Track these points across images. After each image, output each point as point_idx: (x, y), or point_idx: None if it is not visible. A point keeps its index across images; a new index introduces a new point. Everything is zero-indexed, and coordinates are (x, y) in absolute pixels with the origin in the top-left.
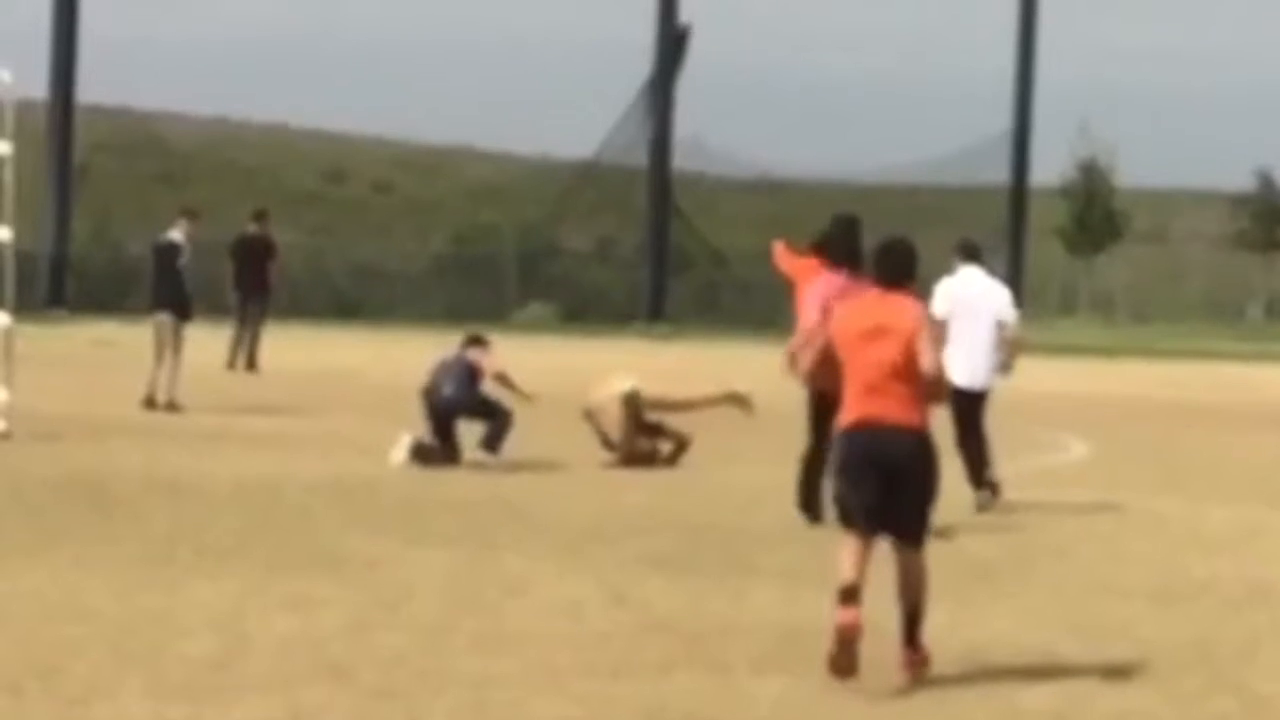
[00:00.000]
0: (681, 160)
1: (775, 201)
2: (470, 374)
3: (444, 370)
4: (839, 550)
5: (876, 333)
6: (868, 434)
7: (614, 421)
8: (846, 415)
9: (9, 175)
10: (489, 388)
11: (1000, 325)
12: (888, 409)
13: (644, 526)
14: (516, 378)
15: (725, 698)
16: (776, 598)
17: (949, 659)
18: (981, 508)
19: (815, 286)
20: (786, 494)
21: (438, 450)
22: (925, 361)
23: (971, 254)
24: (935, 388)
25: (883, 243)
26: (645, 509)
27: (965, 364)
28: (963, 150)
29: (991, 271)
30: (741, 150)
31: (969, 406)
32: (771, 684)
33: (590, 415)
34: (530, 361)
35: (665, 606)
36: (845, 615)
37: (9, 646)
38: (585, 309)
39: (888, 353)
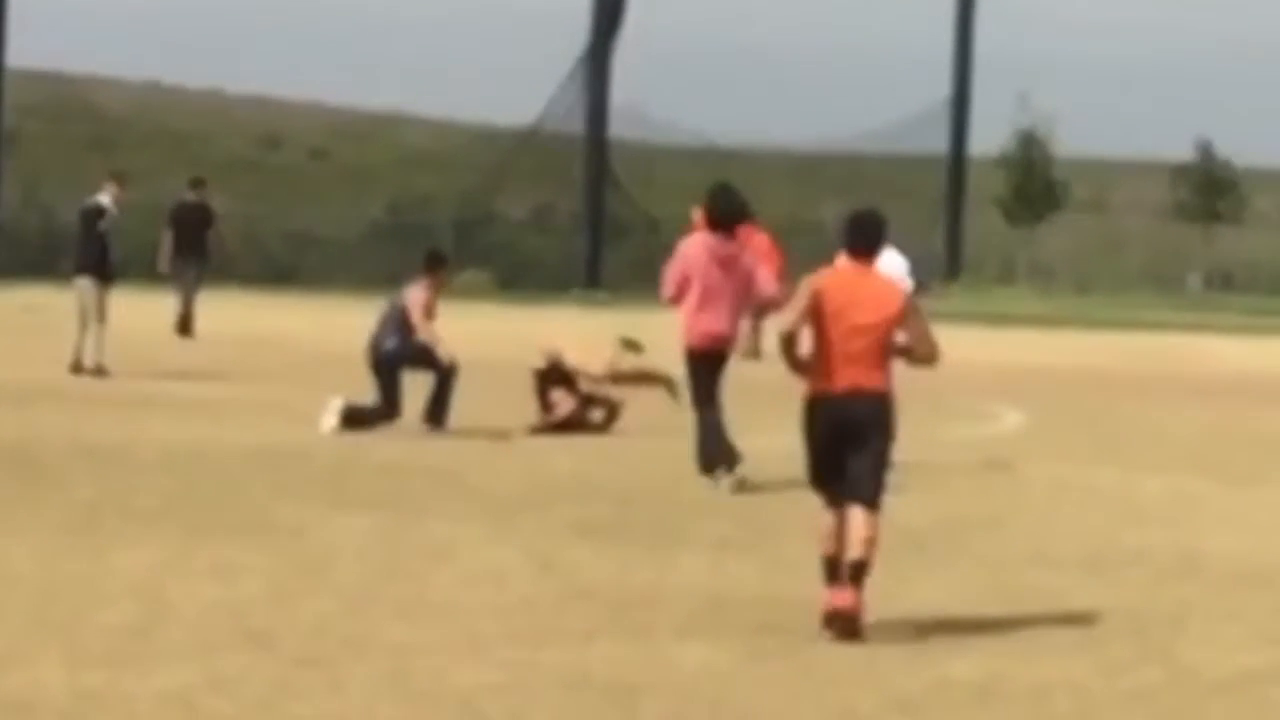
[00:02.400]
0: (621, 128)
1: (715, 170)
2: (406, 320)
3: (384, 321)
4: (819, 520)
5: (854, 309)
6: (840, 404)
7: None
8: (815, 383)
9: None
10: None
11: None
12: (855, 377)
13: (573, 494)
14: (439, 333)
15: (648, 665)
16: (703, 566)
17: (879, 628)
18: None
19: (686, 245)
20: None
21: (372, 410)
22: (921, 351)
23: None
24: (929, 361)
25: (853, 214)
26: (575, 476)
27: None
28: (902, 120)
29: (929, 242)
30: (682, 119)
31: None
32: (695, 651)
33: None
34: (466, 328)
35: (591, 574)
36: (835, 596)
37: None
38: (522, 276)
39: (865, 331)
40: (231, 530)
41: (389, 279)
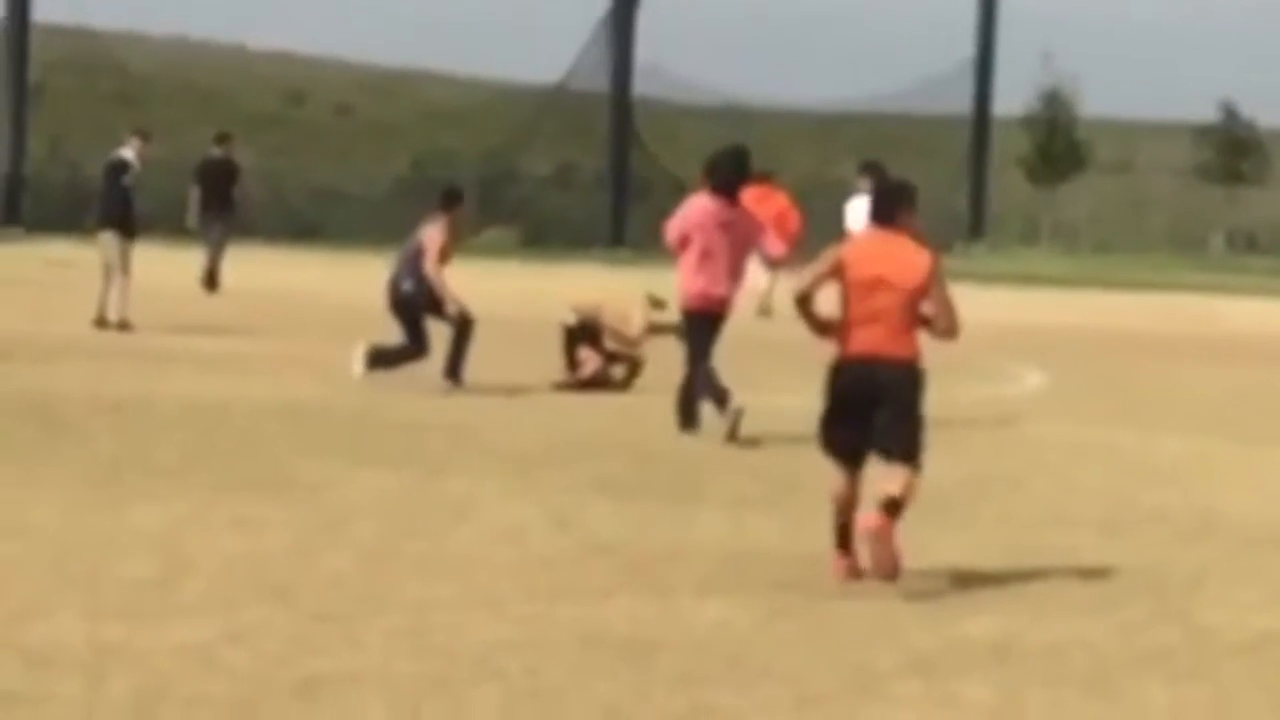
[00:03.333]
0: (644, 87)
1: (737, 130)
2: (420, 267)
3: (401, 261)
4: (831, 485)
5: (880, 279)
6: (866, 367)
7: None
8: (841, 348)
9: None
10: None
11: None
12: (880, 343)
13: (593, 451)
14: (450, 286)
15: (665, 621)
16: (722, 523)
17: (896, 588)
18: None
19: (690, 203)
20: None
21: (398, 350)
22: (942, 324)
23: (877, 173)
24: (949, 335)
25: (882, 183)
26: (596, 433)
27: None
28: (926, 79)
29: (953, 202)
30: (705, 78)
31: None
32: (713, 608)
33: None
34: (490, 286)
35: (610, 531)
36: (841, 565)
37: None
38: (545, 234)
39: (890, 298)
40: (252, 485)
41: (411, 235)
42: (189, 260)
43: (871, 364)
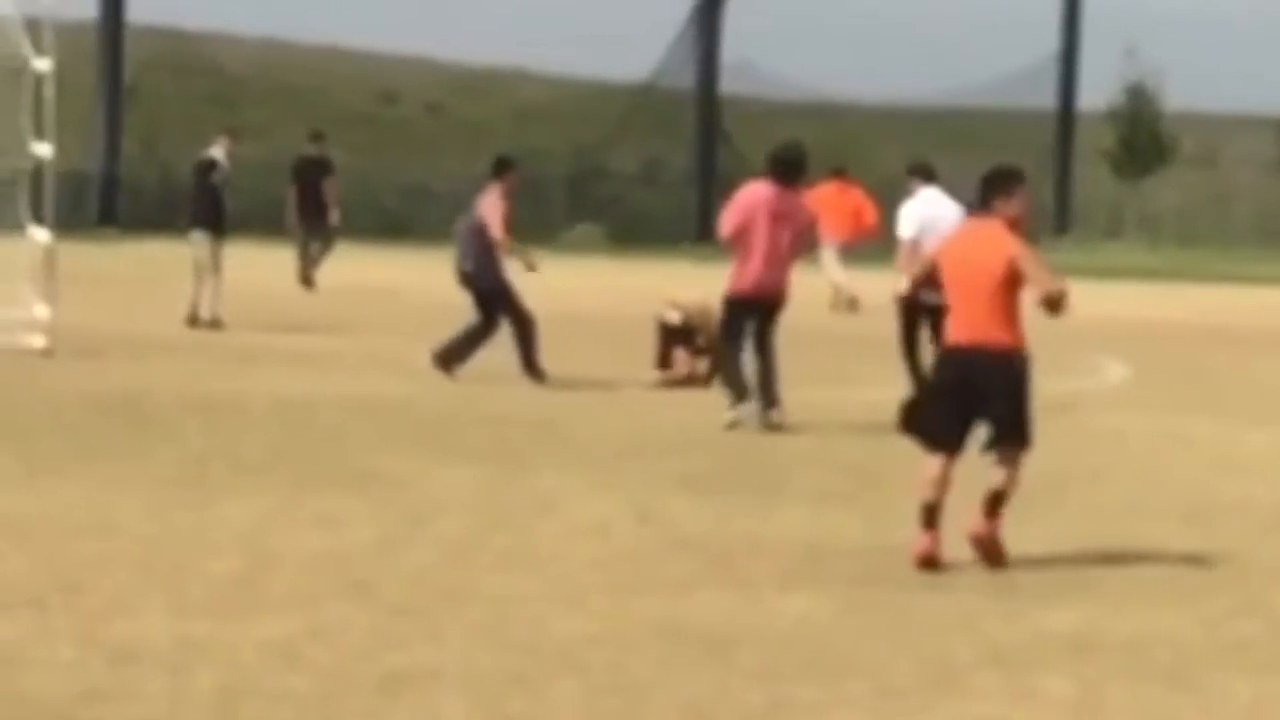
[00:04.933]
0: (733, 84)
1: (824, 126)
2: (482, 240)
3: (461, 241)
4: (923, 469)
5: (968, 268)
6: (963, 358)
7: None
8: (947, 337)
9: (50, 93)
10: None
11: None
12: (979, 332)
13: (676, 446)
14: (499, 231)
15: (747, 614)
16: (803, 517)
17: (976, 579)
18: None
19: (746, 192)
20: (820, 414)
21: (465, 337)
22: (1039, 289)
23: (929, 175)
24: (1055, 304)
25: (989, 170)
26: (679, 428)
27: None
28: (1011, 74)
29: (1038, 196)
30: (792, 74)
31: (929, 319)
32: (794, 601)
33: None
34: (578, 282)
35: (692, 525)
36: (924, 545)
37: (36, 562)
38: (633, 231)
39: (981, 287)
40: (337, 481)
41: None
42: (281, 258)
43: (973, 353)
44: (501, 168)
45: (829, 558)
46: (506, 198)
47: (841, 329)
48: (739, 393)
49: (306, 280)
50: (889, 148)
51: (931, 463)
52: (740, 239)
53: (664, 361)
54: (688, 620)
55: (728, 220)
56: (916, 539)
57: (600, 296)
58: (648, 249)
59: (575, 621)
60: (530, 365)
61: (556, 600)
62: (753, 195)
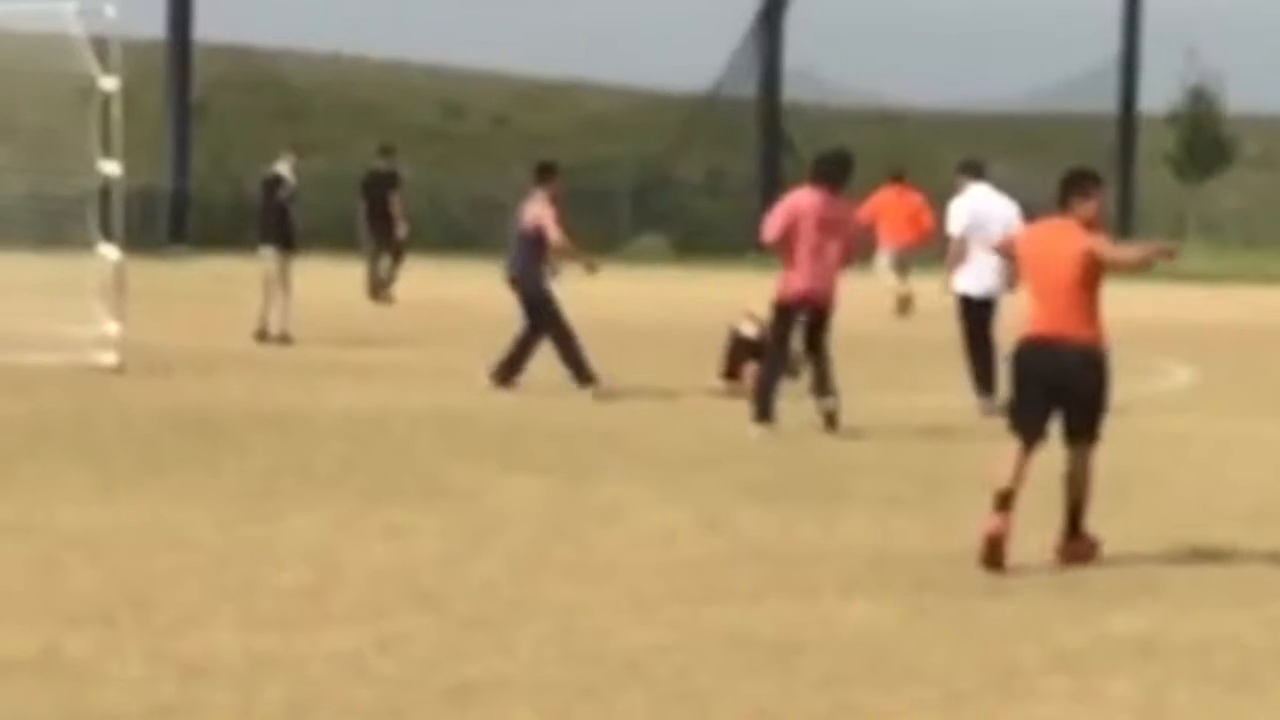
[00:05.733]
0: (794, 92)
1: (886, 132)
2: (531, 247)
3: (511, 248)
4: (1004, 451)
5: (1043, 263)
6: (1041, 349)
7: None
8: (1025, 329)
9: (117, 111)
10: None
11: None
12: (1061, 327)
13: (741, 454)
14: (557, 235)
15: (812, 622)
16: (868, 523)
17: (1041, 582)
18: (990, 412)
19: (795, 197)
20: (883, 420)
21: (517, 348)
22: (1117, 257)
23: (978, 172)
24: (1139, 268)
25: (1068, 171)
26: (744, 436)
27: (977, 276)
28: (1072, 78)
29: (1108, 197)
30: (854, 81)
31: (980, 316)
32: (858, 608)
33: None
34: (644, 292)
35: (757, 533)
36: (995, 524)
37: (106, 577)
38: (697, 240)
39: (1056, 282)
40: (405, 493)
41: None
42: (350, 273)
43: (1048, 346)
44: (545, 173)
45: (894, 564)
46: (553, 203)
47: (901, 334)
48: (762, 411)
49: (383, 295)
50: (950, 153)
51: (1010, 449)
52: (786, 245)
53: (732, 372)
54: (753, 628)
55: (771, 225)
56: (986, 519)
57: (665, 306)
58: (712, 258)
59: (641, 631)
60: (581, 373)
61: (623, 610)
62: (798, 201)
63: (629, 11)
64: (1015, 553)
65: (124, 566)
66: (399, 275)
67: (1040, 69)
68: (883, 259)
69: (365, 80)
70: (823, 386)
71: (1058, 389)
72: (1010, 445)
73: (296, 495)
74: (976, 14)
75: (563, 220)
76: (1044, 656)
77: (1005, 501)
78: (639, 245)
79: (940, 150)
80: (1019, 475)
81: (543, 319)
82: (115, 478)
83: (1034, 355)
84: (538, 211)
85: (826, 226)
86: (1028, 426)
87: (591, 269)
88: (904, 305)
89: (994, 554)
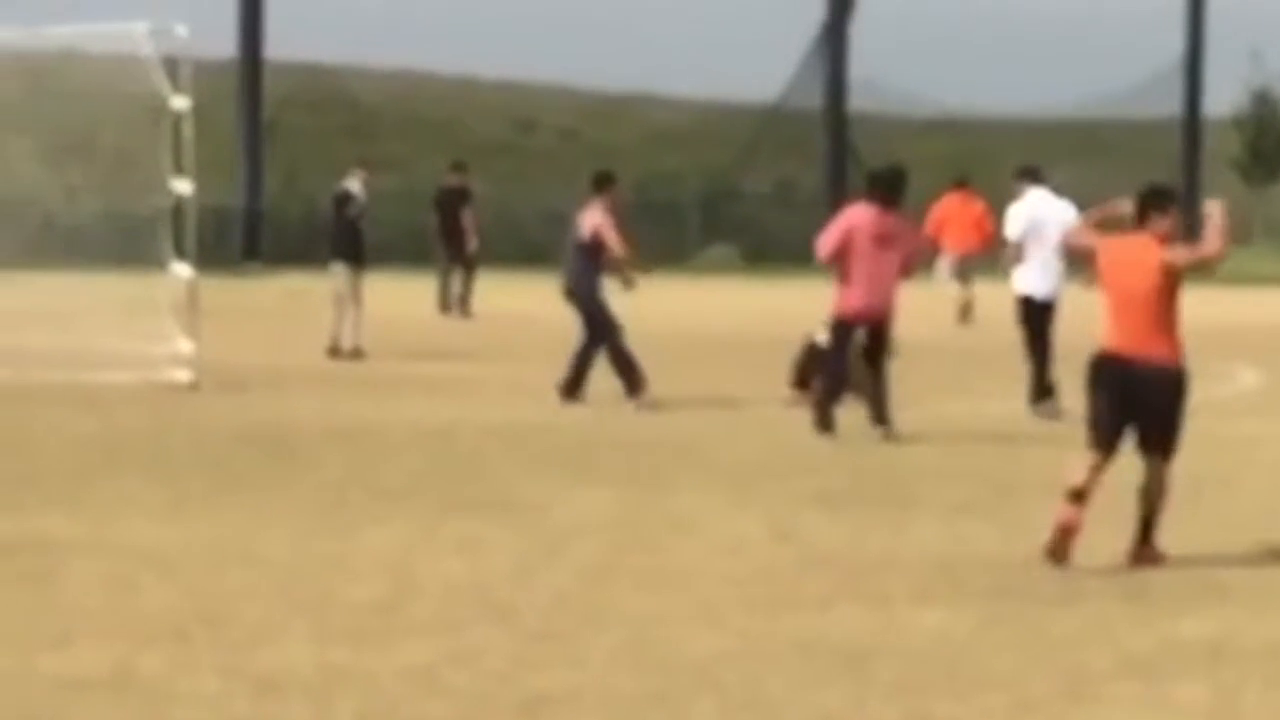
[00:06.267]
0: (860, 102)
1: (953, 140)
2: (587, 257)
3: (568, 258)
4: (1077, 460)
5: (1120, 278)
6: (1119, 365)
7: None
8: (1103, 342)
9: (188, 130)
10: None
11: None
12: (1139, 344)
13: (811, 463)
14: (617, 245)
15: (883, 629)
16: (939, 530)
17: (1110, 587)
18: (1053, 415)
19: (850, 213)
20: (951, 427)
21: (579, 362)
22: (1194, 257)
23: (1035, 177)
24: (1216, 255)
25: (1146, 187)
26: (814, 446)
27: (1037, 278)
28: (1137, 82)
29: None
30: (918, 90)
31: (1039, 317)
32: (929, 615)
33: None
34: (714, 303)
35: (828, 541)
36: (1068, 514)
37: (180, 594)
38: (766, 251)
39: (1133, 298)
40: (477, 506)
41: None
42: (422, 288)
43: (1126, 362)
44: (603, 182)
45: (964, 571)
46: (611, 212)
47: (964, 341)
48: (823, 421)
49: (463, 309)
50: (1016, 160)
51: (1085, 458)
52: (841, 261)
53: (803, 381)
54: (824, 636)
55: (825, 242)
56: (1060, 509)
57: (735, 317)
58: (781, 268)
59: (712, 640)
60: (632, 385)
61: (694, 619)
62: (851, 218)
63: (696, 25)
64: (1084, 558)
65: (197, 583)
66: (473, 290)
67: (1105, 74)
68: (944, 266)
69: (435, 96)
70: (878, 413)
71: (1134, 405)
72: (1089, 455)
73: (369, 509)
74: (1040, 20)
75: (622, 230)
76: (1114, 661)
77: (1079, 497)
78: (709, 256)
79: (1006, 157)
80: (1093, 479)
81: (597, 329)
82: (189, 495)
83: (1112, 371)
84: (596, 221)
85: (881, 241)
86: (1104, 441)
87: (630, 284)
88: (965, 313)
89: (1063, 545)
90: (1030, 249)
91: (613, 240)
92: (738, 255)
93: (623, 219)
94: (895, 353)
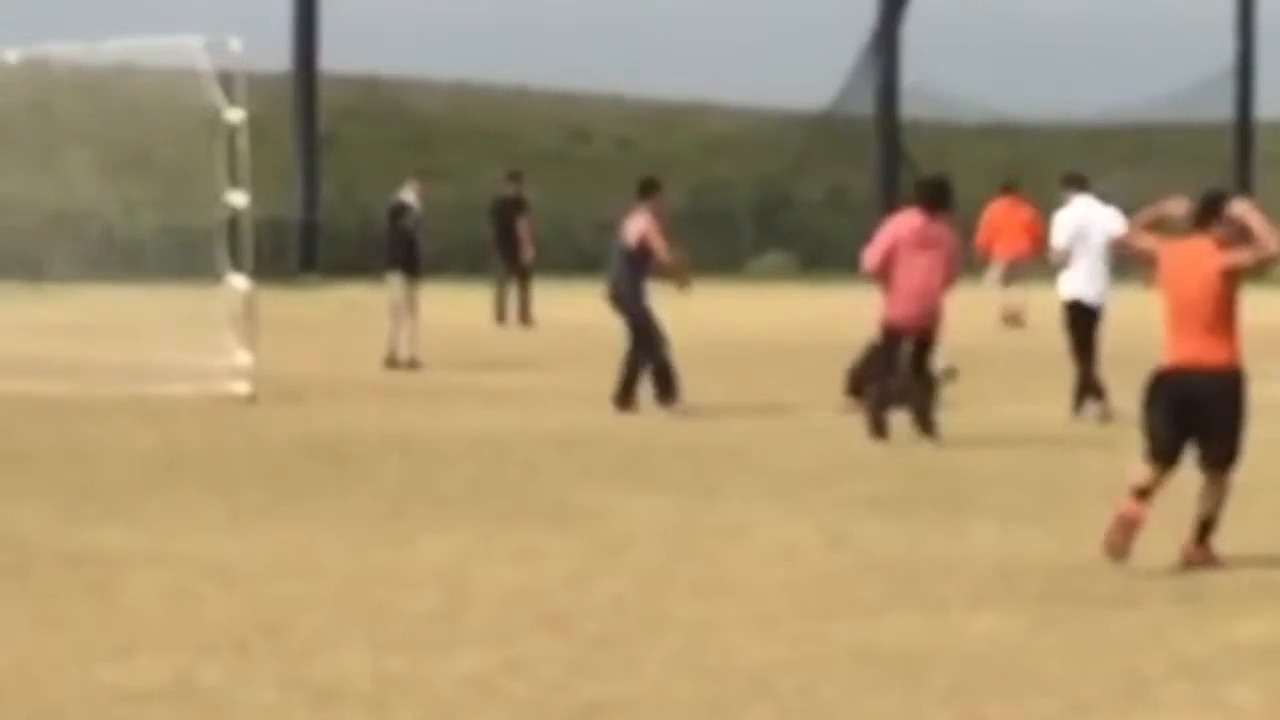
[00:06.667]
0: (912, 108)
1: (1006, 145)
2: (632, 263)
3: (612, 264)
4: (1140, 466)
5: (1187, 272)
6: (1179, 378)
7: None
8: (1164, 357)
9: (244, 143)
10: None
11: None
12: (1198, 351)
13: (866, 469)
14: (664, 250)
15: (938, 635)
16: (993, 535)
17: (1164, 592)
18: (1105, 417)
19: (891, 224)
20: (1004, 431)
21: (629, 370)
22: (1252, 257)
23: (1081, 185)
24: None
25: (1206, 193)
26: (868, 451)
27: (1084, 284)
28: (1189, 85)
29: None
30: (969, 95)
31: (1086, 322)
32: (983, 620)
33: None
34: (769, 310)
35: (882, 547)
36: (1131, 507)
37: (239, 605)
38: (820, 257)
39: (1193, 303)
40: (533, 515)
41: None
42: (478, 298)
43: (1186, 375)
44: (648, 189)
45: (1018, 575)
46: (657, 218)
47: (1014, 345)
48: (876, 428)
49: (523, 318)
50: (1068, 164)
51: (1144, 470)
52: (887, 269)
53: (857, 388)
54: (879, 642)
55: (871, 255)
56: (1123, 504)
57: (790, 324)
58: (835, 275)
59: (767, 647)
60: (625, 393)
61: (749, 626)
62: (897, 226)
63: (748, 33)
64: (1139, 560)
65: (256, 593)
66: (532, 299)
67: (1156, 77)
68: (994, 271)
69: (490, 107)
70: (924, 422)
71: (1194, 418)
72: (1146, 467)
73: (426, 519)
74: (1091, 24)
75: (667, 235)
76: (1168, 665)
77: (1143, 493)
78: (763, 264)
79: (1059, 162)
80: (1155, 483)
81: (643, 336)
82: (247, 506)
83: (1170, 385)
84: (642, 227)
85: (924, 246)
86: (1162, 454)
87: (684, 285)
88: (1011, 318)
89: (1122, 539)
90: (1077, 255)
91: (659, 245)
92: (792, 262)
93: (668, 225)
94: (955, 377)
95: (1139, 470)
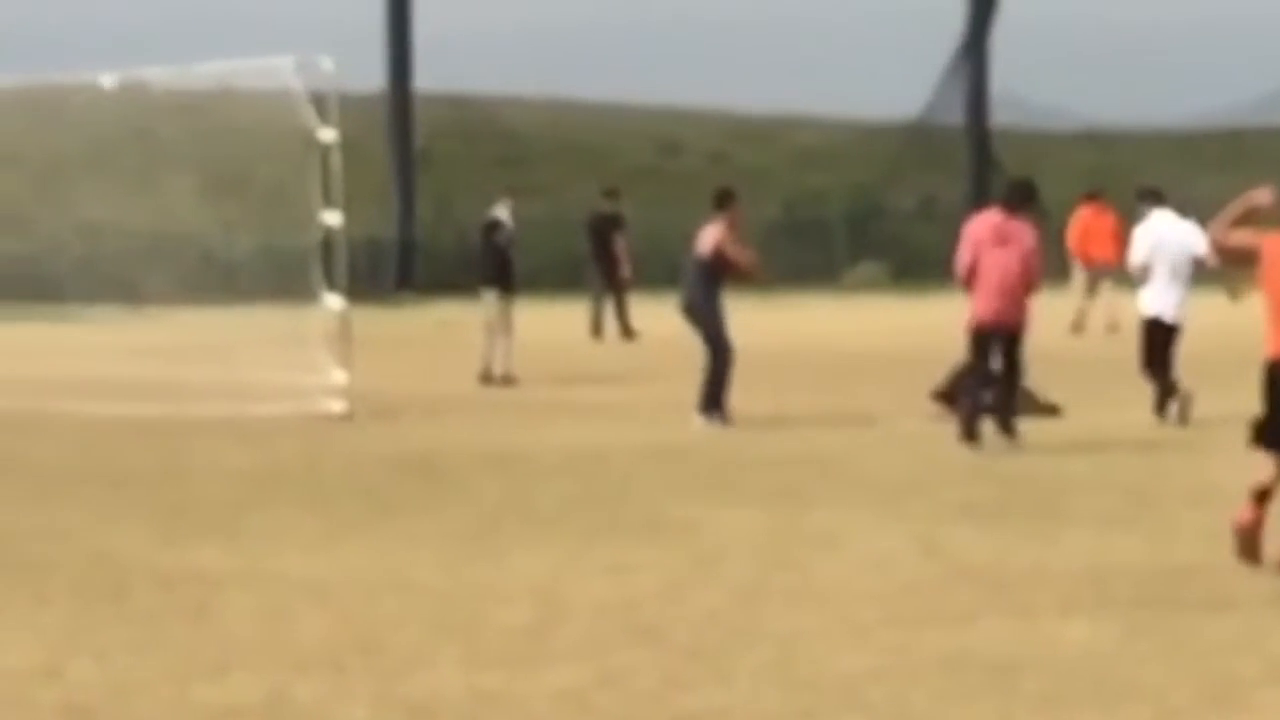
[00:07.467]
0: (1003, 116)
1: (1097, 153)
2: (706, 274)
3: (690, 271)
4: (1263, 459)
5: (1273, 266)
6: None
7: None
8: (1268, 349)
9: (337, 163)
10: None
11: (1194, 260)
12: None
13: (957, 477)
14: (742, 255)
15: (1030, 642)
16: (1086, 542)
17: (1257, 594)
18: (1186, 420)
19: (970, 228)
20: (1096, 437)
21: (710, 379)
22: None
23: (1158, 199)
24: None
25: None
26: (960, 460)
27: (1162, 300)
28: (1276, 89)
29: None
30: (1061, 103)
31: (1163, 338)
32: (1076, 626)
33: None
34: (862, 319)
35: (975, 555)
36: (1245, 514)
37: (334, 622)
38: (913, 267)
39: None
40: (626, 529)
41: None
42: (573, 313)
43: None
44: (724, 199)
45: (1111, 581)
46: (732, 229)
47: (1105, 352)
48: (968, 432)
49: (625, 333)
50: (1160, 170)
51: (1266, 467)
52: (972, 271)
53: (948, 397)
54: (971, 650)
55: (961, 259)
56: (1242, 509)
57: (884, 333)
58: (928, 284)
59: (859, 656)
60: (713, 401)
61: (840, 636)
62: (976, 226)
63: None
64: (1235, 566)
65: (351, 611)
66: (630, 313)
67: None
68: (1078, 277)
69: (582, 123)
70: (1005, 425)
71: None
72: (1266, 457)
73: (519, 534)
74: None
75: (744, 244)
76: (1262, 669)
77: (1261, 497)
78: (856, 274)
79: (1151, 169)
80: (1276, 479)
81: (712, 344)
82: (343, 523)
83: (1277, 375)
84: (717, 237)
85: (1002, 242)
86: (1274, 443)
87: (763, 280)
88: (1111, 325)
89: (1247, 543)
90: (1155, 271)
91: (735, 253)
92: (885, 272)
93: (761, 237)
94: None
95: (1261, 466)
